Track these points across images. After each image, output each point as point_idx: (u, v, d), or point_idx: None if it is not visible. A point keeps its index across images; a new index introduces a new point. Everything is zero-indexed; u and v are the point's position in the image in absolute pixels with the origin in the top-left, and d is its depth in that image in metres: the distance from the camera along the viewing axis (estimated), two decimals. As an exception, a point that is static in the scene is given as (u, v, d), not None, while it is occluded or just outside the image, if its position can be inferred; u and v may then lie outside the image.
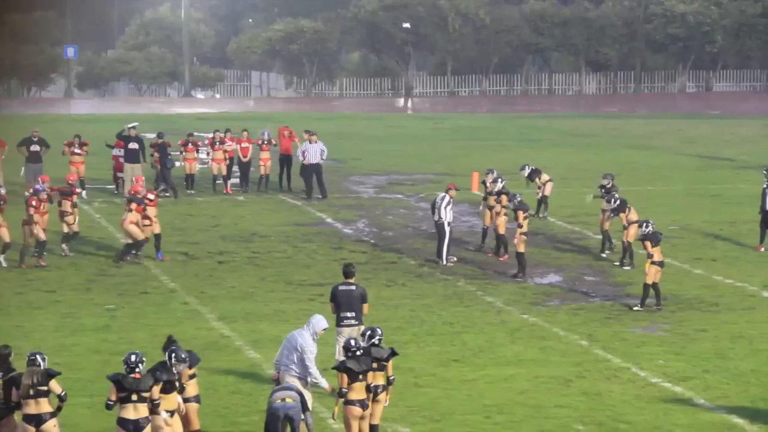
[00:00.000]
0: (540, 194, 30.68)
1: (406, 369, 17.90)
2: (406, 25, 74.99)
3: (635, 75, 79.21)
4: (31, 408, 13.70)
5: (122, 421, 13.52)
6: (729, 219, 30.97)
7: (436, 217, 25.53)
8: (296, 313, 21.48)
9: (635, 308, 21.98)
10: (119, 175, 34.19)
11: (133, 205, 25.23)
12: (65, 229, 26.13)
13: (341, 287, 17.48)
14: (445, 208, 25.40)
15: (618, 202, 25.77)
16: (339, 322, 17.36)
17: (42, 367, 13.79)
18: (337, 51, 79.00)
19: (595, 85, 79.94)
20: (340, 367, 14.21)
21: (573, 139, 49.19)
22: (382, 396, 14.71)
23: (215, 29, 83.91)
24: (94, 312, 21.63)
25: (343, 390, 14.14)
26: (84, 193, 33.48)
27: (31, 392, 13.67)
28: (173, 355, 13.97)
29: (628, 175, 36.48)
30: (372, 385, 14.49)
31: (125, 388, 13.50)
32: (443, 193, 25.77)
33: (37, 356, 13.86)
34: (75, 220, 26.25)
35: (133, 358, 13.61)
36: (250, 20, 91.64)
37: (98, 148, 36.05)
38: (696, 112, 64.19)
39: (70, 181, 27.36)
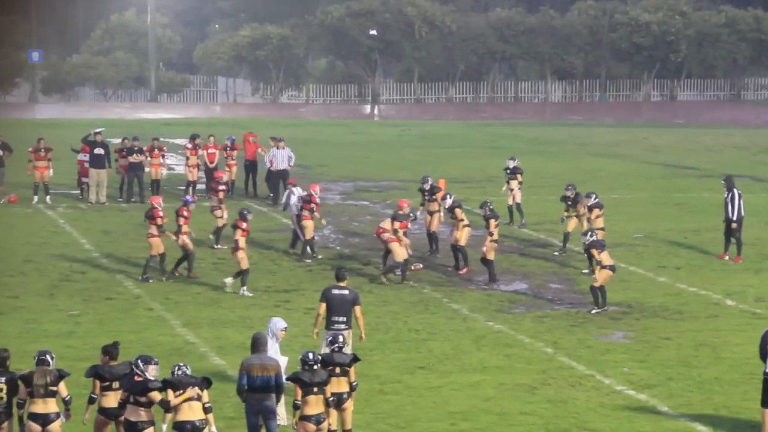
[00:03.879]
0: (512, 201, 30.87)
1: (372, 376, 17.88)
2: (373, 32, 75.09)
3: (600, 83, 79.62)
4: (39, 407, 13.58)
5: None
6: (693, 227, 31.13)
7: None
8: (262, 320, 21.36)
9: (593, 312, 22.15)
10: (84, 180, 34.10)
11: (396, 223, 24.86)
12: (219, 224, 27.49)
13: (334, 291, 17.41)
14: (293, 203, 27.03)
15: (597, 198, 26.44)
16: (329, 325, 17.29)
17: (51, 367, 13.67)
18: (303, 57, 78.98)
19: (560, 93, 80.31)
20: (292, 378, 14.08)
21: (538, 147, 49.35)
22: (348, 403, 14.67)
23: (181, 34, 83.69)
24: (57, 318, 21.51)
25: (297, 402, 14.01)
26: (48, 198, 33.35)
27: (42, 392, 13.56)
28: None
29: (593, 183, 36.61)
30: (336, 392, 14.40)
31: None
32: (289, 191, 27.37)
33: (47, 355, 13.71)
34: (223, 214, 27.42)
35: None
36: (217, 26, 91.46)
37: (62, 153, 35.88)
38: (660, 121, 64.55)
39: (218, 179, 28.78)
